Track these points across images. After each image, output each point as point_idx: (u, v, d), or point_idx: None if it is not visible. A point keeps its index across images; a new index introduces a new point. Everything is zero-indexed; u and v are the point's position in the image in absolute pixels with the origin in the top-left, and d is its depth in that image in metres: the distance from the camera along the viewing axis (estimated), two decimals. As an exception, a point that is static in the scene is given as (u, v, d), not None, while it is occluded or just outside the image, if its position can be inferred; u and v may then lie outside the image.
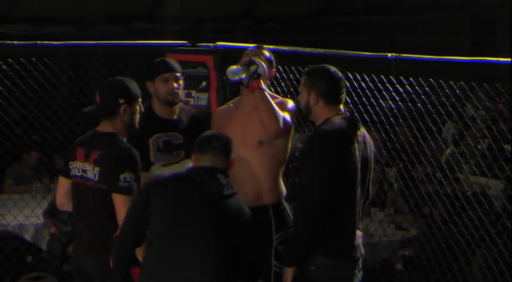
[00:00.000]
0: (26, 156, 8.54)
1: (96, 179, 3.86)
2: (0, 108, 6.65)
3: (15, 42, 5.79)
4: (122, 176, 3.77)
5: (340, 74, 3.92)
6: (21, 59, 6.05)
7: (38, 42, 5.82)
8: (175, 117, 4.49)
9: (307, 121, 4.34)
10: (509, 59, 4.09)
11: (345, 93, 3.91)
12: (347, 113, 3.95)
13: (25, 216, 7.11)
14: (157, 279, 3.52)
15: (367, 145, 3.87)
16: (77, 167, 3.97)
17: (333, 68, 3.92)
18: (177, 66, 4.51)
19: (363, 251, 3.88)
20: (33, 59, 6.08)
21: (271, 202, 4.23)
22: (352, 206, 3.76)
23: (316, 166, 3.66)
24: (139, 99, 4.03)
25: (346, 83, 4.07)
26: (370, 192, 3.96)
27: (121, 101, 3.93)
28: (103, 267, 3.85)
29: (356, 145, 3.76)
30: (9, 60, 6.03)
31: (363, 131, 3.90)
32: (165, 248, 3.52)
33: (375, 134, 6.00)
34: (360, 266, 3.86)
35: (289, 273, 3.76)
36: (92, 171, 3.88)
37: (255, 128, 4.16)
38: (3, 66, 6.06)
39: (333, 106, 3.85)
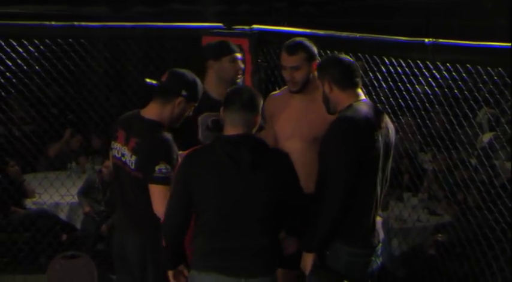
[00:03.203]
0: (69, 138, 8.63)
1: (133, 167, 3.86)
2: (38, 88, 6.72)
3: (53, 23, 5.83)
4: (157, 168, 3.77)
5: (350, 59, 3.87)
6: (59, 40, 6.10)
7: (75, 23, 5.86)
8: None
9: None
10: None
11: (359, 76, 3.83)
12: (373, 99, 3.89)
13: (61, 196, 7.20)
14: (208, 255, 3.58)
15: (390, 131, 3.84)
16: (117, 148, 3.98)
17: (342, 56, 3.87)
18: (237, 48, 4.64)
19: (381, 237, 3.86)
20: (70, 39, 6.11)
21: None
22: (371, 193, 3.74)
23: (340, 153, 3.64)
24: (195, 104, 4.03)
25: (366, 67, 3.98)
26: (388, 178, 3.91)
27: (183, 92, 3.91)
28: (140, 250, 3.93)
29: (379, 131, 3.73)
30: (47, 40, 6.08)
31: (385, 117, 3.87)
32: (211, 221, 3.56)
33: (410, 119, 5.99)
34: (378, 252, 3.85)
35: (308, 258, 3.75)
36: (130, 159, 3.88)
37: (312, 124, 4.08)
38: (41, 47, 6.12)
39: (350, 91, 3.80)
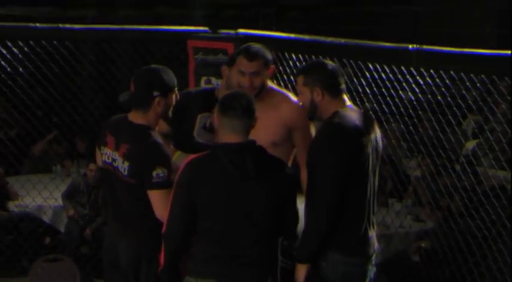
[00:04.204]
0: (56, 147, 8.59)
1: (126, 173, 3.80)
2: (22, 90, 6.69)
3: (38, 24, 5.80)
4: (154, 173, 3.71)
5: (335, 64, 3.85)
6: (43, 42, 6.07)
7: (60, 25, 5.83)
8: None
9: None
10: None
11: (344, 82, 3.81)
12: (357, 105, 3.87)
13: (43, 198, 7.16)
14: (208, 261, 3.55)
15: (377, 136, 3.80)
16: (107, 153, 3.92)
17: (326, 61, 3.84)
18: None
19: (376, 246, 3.81)
20: (55, 42, 6.08)
21: None
22: (364, 200, 3.70)
23: (328, 161, 3.58)
24: (176, 89, 3.93)
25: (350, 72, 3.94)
26: (377, 184, 3.86)
27: (155, 93, 3.82)
28: (133, 256, 3.88)
29: (368, 137, 3.69)
30: (31, 42, 6.05)
31: (374, 122, 3.84)
32: (214, 228, 3.52)
33: (394, 125, 5.99)
34: (373, 261, 3.80)
35: (302, 269, 3.70)
36: (122, 165, 3.82)
37: (268, 130, 3.97)
38: (25, 49, 6.09)
39: (338, 98, 3.76)
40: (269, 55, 4.19)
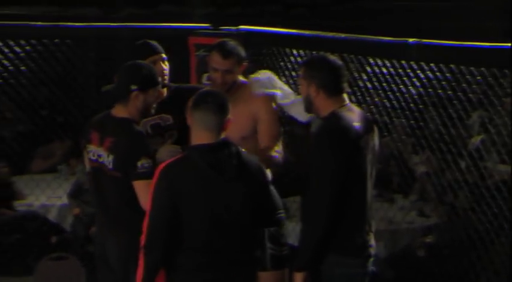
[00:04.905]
0: (60, 143, 8.59)
1: (111, 166, 3.83)
2: (24, 90, 6.70)
3: (38, 23, 5.80)
4: (139, 164, 3.74)
5: (339, 62, 3.74)
6: (44, 41, 6.08)
7: (60, 23, 5.84)
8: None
9: None
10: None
11: (346, 81, 3.73)
12: (354, 102, 3.83)
13: (47, 197, 7.17)
14: (198, 270, 3.49)
15: (375, 137, 3.75)
16: (92, 150, 3.93)
17: (332, 57, 3.74)
18: (161, 48, 4.34)
19: (374, 247, 3.76)
20: (56, 40, 6.10)
21: None
22: (363, 201, 3.66)
23: (326, 165, 3.53)
24: (158, 86, 3.95)
25: (354, 69, 3.91)
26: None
27: (133, 87, 3.84)
28: (121, 251, 3.88)
29: (365, 137, 3.65)
30: (32, 41, 6.06)
31: (371, 121, 3.81)
32: (201, 234, 3.47)
33: (394, 119, 5.97)
34: (372, 262, 3.74)
35: (299, 277, 3.63)
36: (107, 159, 3.84)
37: (237, 124, 3.82)
38: (26, 48, 6.09)
39: (336, 97, 3.67)
40: (243, 52, 4.18)
